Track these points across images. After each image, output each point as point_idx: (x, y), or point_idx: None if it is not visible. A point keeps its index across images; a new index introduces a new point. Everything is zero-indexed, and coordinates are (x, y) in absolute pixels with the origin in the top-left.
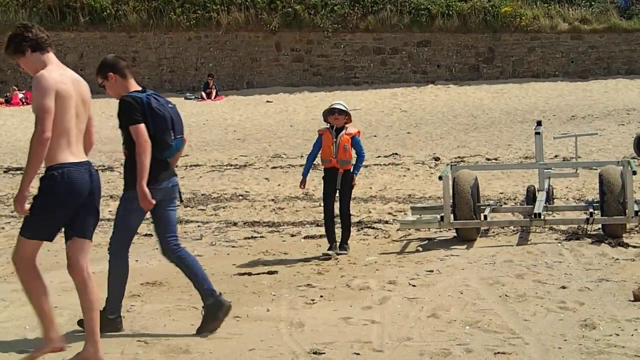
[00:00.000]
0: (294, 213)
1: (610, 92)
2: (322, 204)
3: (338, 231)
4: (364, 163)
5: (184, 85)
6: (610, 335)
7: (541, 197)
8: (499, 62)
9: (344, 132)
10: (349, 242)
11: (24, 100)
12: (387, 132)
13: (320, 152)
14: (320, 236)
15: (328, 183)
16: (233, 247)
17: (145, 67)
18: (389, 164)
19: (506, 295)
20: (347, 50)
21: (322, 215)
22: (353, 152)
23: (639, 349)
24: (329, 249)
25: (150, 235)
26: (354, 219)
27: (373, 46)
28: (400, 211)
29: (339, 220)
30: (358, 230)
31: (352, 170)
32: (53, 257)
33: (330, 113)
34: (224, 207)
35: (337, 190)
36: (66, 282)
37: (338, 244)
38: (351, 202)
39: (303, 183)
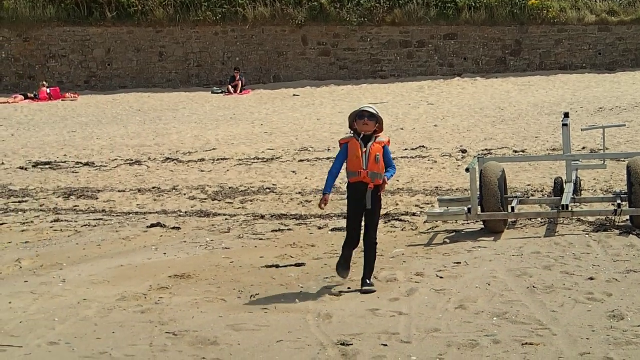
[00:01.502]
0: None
1: (638, 83)
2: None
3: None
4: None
5: (210, 80)
6: (638, 326)
7: (569, 188)
8: (526, 54)
9: (373, 140)
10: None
11: (51, 96)
12: (414, 125)
13: (346, 162)
14: None
15: (354, 200)
16: (260, 239)
17: (172, 62)
18: (416, 156)
19: (534, 287)
20: (373, 44)
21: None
22: None
23: None
24: (342, 272)
25: (179, 228)
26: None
27: (400, 39)
28: (428, 203)
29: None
30: (385, 223)
31: (385, 175)
32: (82, 250)
33: (359, 117)
34: (251, 200)
35: (364, 211)
36: (95, 275)
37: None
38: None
39: (324, 202)
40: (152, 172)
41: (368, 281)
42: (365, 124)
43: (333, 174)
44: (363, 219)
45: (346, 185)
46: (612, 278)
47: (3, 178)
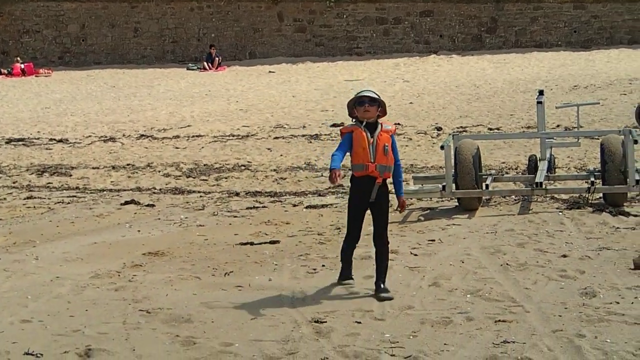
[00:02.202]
0: (296, 183)
1: (612, 61)
2: (346, 209)
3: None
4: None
5: (186, 56)
6: (611, 303)
7: (543, 166)
8: (501, 32)
9: (380, 128)
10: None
11: (24, 71)
12: (389, 102)
13: (351, 155)
14: (322, 206)
15: (358, 195)
16: (235, 217)
17: (147, 37)
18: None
19: (507, 264)
20: (349, 21)
21: (347, 217)
22: None
23: (639, 317)
24: (343, 279)
25: (153, 205)
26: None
27: (376, 16)
28: (403, 181)
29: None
30: None
31: (397, 189)
32: (55, 227)
33: (358, 103)
34: (226, 178)
35: (369, 206)
36: (68, 252)
37: (372, 279)
38: None
39: (337, 175)
40: (126, 148)
41: (383, 285)
42: (366, 111)
43: (336, 155)
44: (364, 215)
45: (323, 159)
46: (584, 255)
47: None
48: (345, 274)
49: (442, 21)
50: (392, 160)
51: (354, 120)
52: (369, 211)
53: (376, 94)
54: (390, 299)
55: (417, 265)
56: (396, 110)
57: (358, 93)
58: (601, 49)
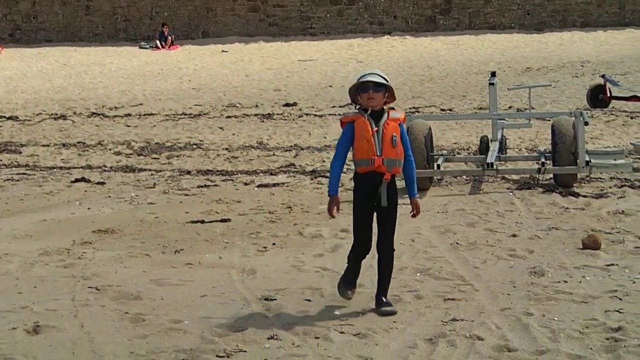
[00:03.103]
0: (248, 162)
1: (565, 44)
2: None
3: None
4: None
5: (138, 35)
6: (559, 282)
7: (494, 147)
8: (455, 13)
9: (386, 116)
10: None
11: None
12: (342, 83)
13: (353, 149)
14: (274, 184)
15: (364, 195)
16: (186, 195)
17: (100, 16)
18: (343, 114)
19: (457, 243)
20: (303, 1)
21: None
22: None
23: (586, 295)
24: (346, 290)
25: (104, 183)
26: (306, 167)
27: None
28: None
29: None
30: (312, 180)
31: (409, 189)
32: (4, 204)
33: (361, 89)
34: (177, 156)
35: (376, 208)
36: (17, 229)
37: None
38: (306, 152)
39: (335, 205)
40: (77, 126)
41: (384, 299)
42: (370, 98)
43: (336, 167)
44: (373, 218)
45: (276, 139)
46: (534, 235)
47: None
48: (348, 283)
49: (396, 2)
50: (401, 152)
51: (357, 107)
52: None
53: (383, 77)
54: (393, 313)
55: None
56: None
57: (361, 76)
58: (554, 32)
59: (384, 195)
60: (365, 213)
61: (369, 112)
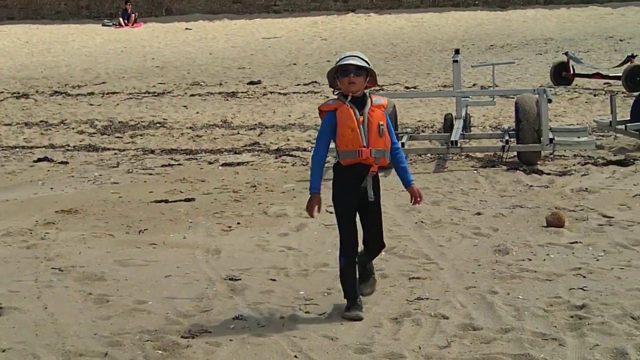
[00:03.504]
0: (212, 141)
1: (528, 21)
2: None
3: None
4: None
5: (101, 12)
6: (523, 260)
7: (458, 125)
8: None
9: (369, 103)
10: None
11: None
12: (306, 61)
13: (336, 139)
14: (238, 163)
15: (349, 188)
16: (150, 174)
17: None
18: (308, 92)
19: (422, 222)
20: None
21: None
22: None
23: (550, 273)
24: (352, 309)
25: (67, 162)
26: (271, 146)
27: None
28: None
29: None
30: (276, 158)
31: (404, 176)
32: None
33: (341, 73)
34: (141, 135)
35: (360, 203)
36: None
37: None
38: (270, 131)
39: (317, 203)
40: (39, 105)
41: (368, 280)
42: (351, 82)
43: (319, 161)
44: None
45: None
46: (498, 213)
47: None
48: (352, 303)
49: None
50: (389, 142)
51: (335, 93)
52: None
53: (364, 59)
54: (359, 318)
55: (332, 222)
56: (314, 69)
57: (340, 59)
58: (517, 9)
59: (370, 188)
60: (350, 209)
61: (349, 98)
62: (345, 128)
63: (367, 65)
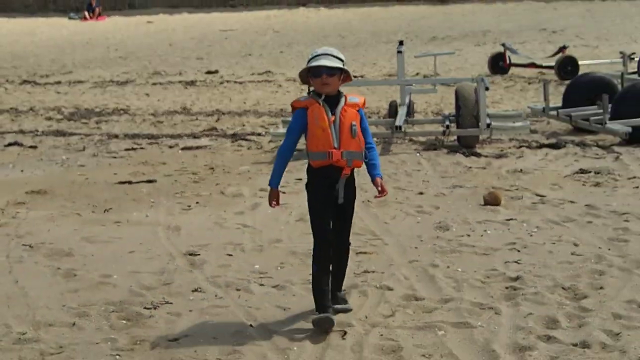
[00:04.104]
0: (172, 126)
1: (468, 15)
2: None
3: None
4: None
5: (67, 6)
6: (462, 235)
7: (402, 111)
8: None
9: (343, 101)
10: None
11: None
12: (261, 52)
13: (307, 139)
14: (197, 147)
15: (321, 191)
16: (114, 157)
17: None
18: (262, 80)
19: (368, 201)
20: None
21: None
22: None
23: (487, 248)
24: (322, 315)
25: (36, 147)
26: (227, 131)
27: None
28: (272, 124)
29: None
30: (232, 142)
31: (371, 171)
32: None
33: (313, 75)
34: (106, 121)
35: (333, 204)
36: None
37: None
38: (227, 117)
39: (275, 197)
40: (9, 93)
41: (339, 293)
42: (324, 84)
43: (284, 155)
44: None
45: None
46: (439, 192)
47: None
48: (323, 310)
49: None
50: (362, 143)
51: (309, 91)
52: None
53: (337, 58)
54: (349, 310)
55: (285, 202)
56: (267, 59)
57: (312, 57)
58: (457, 3)
59: (342, 191)
60: (323, 212)
61: (323, 97)
62: (316, 128)
63: (340, 66)
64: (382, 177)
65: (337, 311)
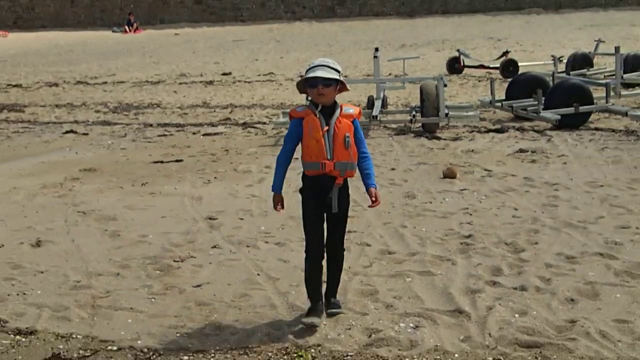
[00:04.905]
0: (195, 117)
1: (430, 27)
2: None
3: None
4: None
5: (111, 22)
6: (426, 202)
7: (378, 104)
8: (349, 4)
9: (338, 112)
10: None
11: None
12: (265, 57)
13: (301, 149)
14: (215, 134)
15: (314, 198)
16: (149, 142)
17: (82, 7)
18: (266, 80)
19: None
20: None
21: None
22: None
23: (445, 212)
24: (311, 314)
25: (87, 134)
26: (239, 120)
27: None
28: (274, 115)
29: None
30: (243, 129)
31: (365, 180)
32: (12, 151)
33: (310, 85)
34: (142, 113)
35: (327, 212)
36: (22, 169)
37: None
38: (238, 109)
39: (279, 201)
40: (66, 92)
41: (333, 299)
42: (320, 94)
43: (283, 162)
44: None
45: (217, 99)
46: (407, 168)
47: None
48: (312, 308)
49: None
50: (355, 154)
51: (307, 99)
52: None
53: (333, 68)
54: (340, 313)
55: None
56: (270, 63)
57: (309, 68)
58: (422, 17)
59: (335, 201)
60: (315, 219)
61: (320, 107)
62: (310, 139)
63: (335, 77)
64: (376, 187)
65: (332, 315)
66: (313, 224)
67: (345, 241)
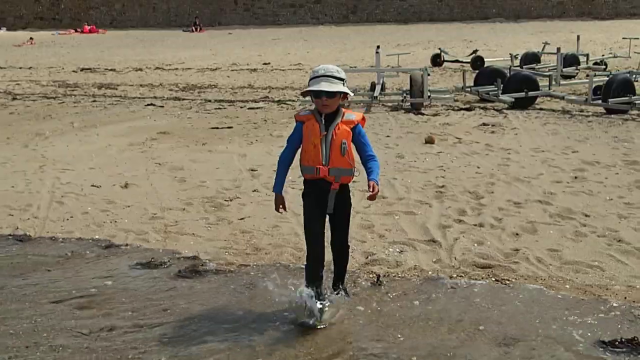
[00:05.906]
0: (242, 95)
1: (420, 31)
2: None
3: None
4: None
5: (182, 23)
6: (412, 161)
7: (378, 87)
8: (359, 13)
9: (339, 119)
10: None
11: (90, 30)
12: (295, 52)
13: (300, 152)
14: (257, 108)
15: (313, 200)
16: (209, 113)
17: (161, 13)
18: (296, 69)
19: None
20: (274, 5)
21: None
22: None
23: (426, 168)
24: (311, 313)
25: (162, 106)
26: (275, 98)
27: (290, 2)
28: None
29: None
30: (278, 105)
31: (368, 175)
32: (108, 118)
33: (314, 95)
34: (203, 92)
35: (328, 215)
36: (115, 131)
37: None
38: (275, 90)
39: (280, 202)
40: (148, 75)
41: (341, 285)
42: (325, 105)
43: (284, 163)
44: (324, 223)
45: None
46: (399, 136)
47: (63, 77)
48: (308, 317)
49: (327, 6)
50: (352, 161)
51: (311, 103)
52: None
53: (337, 77)
54: (348, 300)
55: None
56: (298, 56)
57: (312, 77)
58: (414, 24)
59: (332, 202)
60: (315, 221)
61: (323, 114)
62: (308, 143)
63: (339, 89)
64: (377, 182)
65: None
66: (312, 225)
67: (349, 238)
